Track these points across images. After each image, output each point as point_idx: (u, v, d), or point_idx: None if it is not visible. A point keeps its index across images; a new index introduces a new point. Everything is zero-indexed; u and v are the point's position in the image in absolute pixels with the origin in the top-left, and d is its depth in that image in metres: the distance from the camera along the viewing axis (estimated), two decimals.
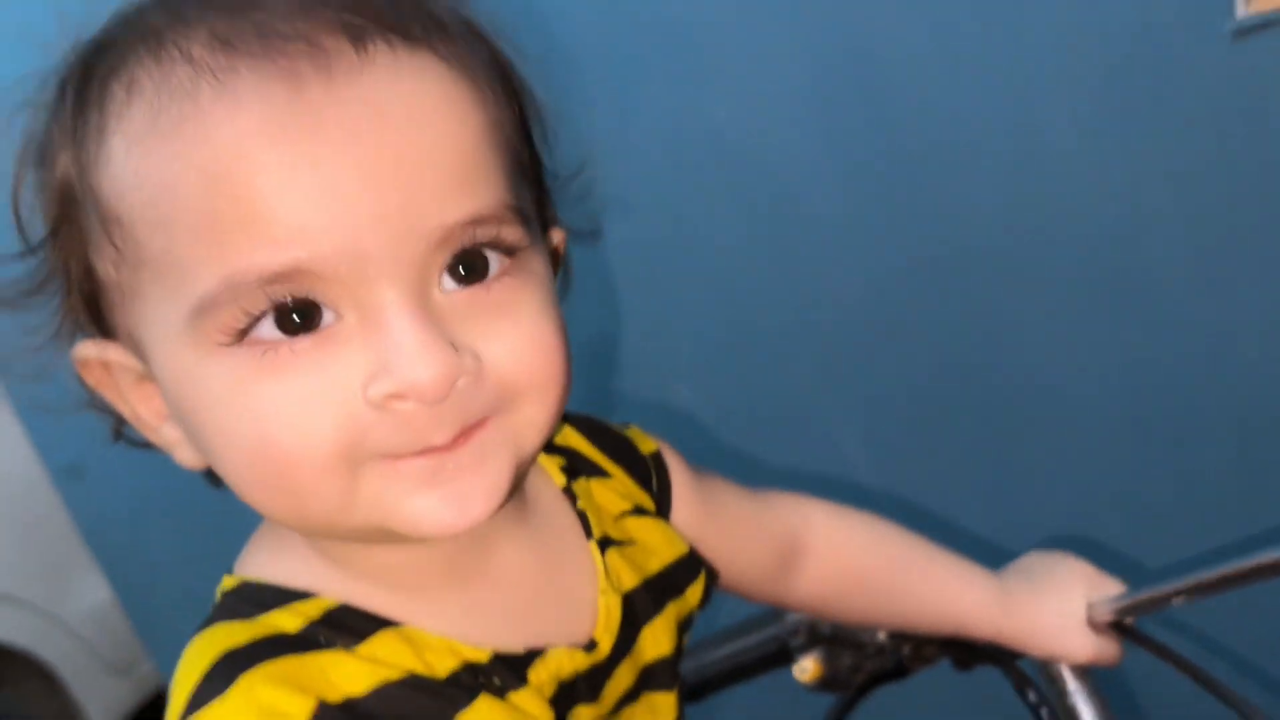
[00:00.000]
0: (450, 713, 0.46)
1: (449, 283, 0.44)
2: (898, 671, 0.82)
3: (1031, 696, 0.74)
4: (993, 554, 0.75)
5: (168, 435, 0.49)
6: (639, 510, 0.61)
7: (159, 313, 0.44)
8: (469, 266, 0.44)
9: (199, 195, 0.41)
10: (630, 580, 0.57)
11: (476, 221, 0.43)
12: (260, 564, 0.50)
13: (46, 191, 0.47)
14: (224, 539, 1.71)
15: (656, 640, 0.57)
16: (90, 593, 2.42)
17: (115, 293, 0.46)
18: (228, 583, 0.50)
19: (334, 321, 0.43)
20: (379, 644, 0.47)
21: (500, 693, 0.48)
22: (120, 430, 0.53)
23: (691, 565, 0.61)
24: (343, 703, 0.44)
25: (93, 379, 0.50)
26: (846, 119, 1.05)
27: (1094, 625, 0.69)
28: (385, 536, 0.46)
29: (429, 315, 0.43)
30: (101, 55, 0.45)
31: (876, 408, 1.09)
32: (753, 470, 0.80)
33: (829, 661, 0.80)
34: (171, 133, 0.42)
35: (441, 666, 0.47)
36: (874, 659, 0.81)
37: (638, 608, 0.57)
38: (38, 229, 0.48)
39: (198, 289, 0.42)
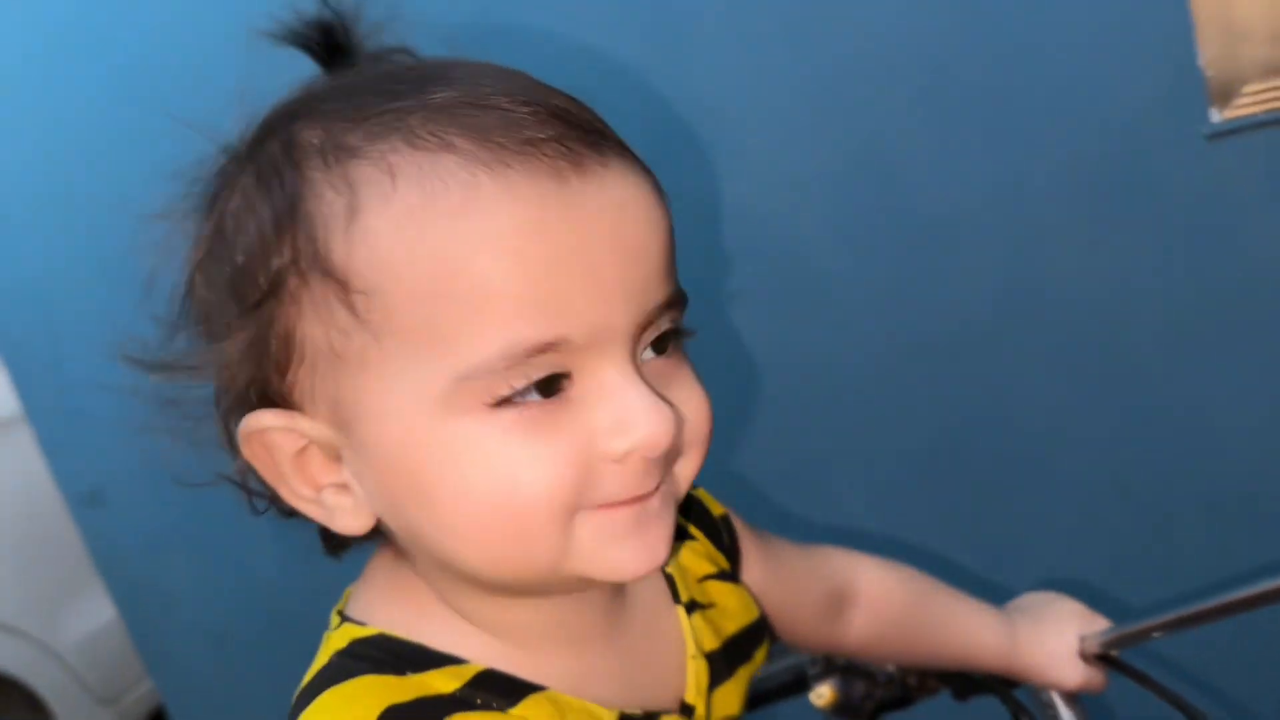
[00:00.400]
0: None
1: (648, 353, 0.49)
2: (904, 700, 0.90)
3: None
4: (991, 590, 0.84)
5: (329, 501, 0.50)
6: (720, 574, 0.66)
7: (402, 379, 0.46)
8: (661, 339, 0.50)
9: (480, 272, 0.44)
10: (710, 644, 0.61)
11: (671, 303, 0.49)
12: (395, 620, 0.52)
13: (245, 270, 0.48)
14: (237, 574, 1.76)
15: (727, 702, 0.61)
16: (81, 622, 2.44)
17: (328, 362, 0.47)
18: (358, 631, 0.51)
19: (569, 385, 0.46)
20: (529, 707, 0.50)
21: None
22: (258, 500, 0.54)
23: (761, 630, 0.66)
24: None
25: (250, 450, 0.50)
26: (861, 206, 1.14)
27: (1085, 657, 0.77)
28: (568, 586, 0.50)
29: (646, 380, 0.48)
30: (322, 138, 0.47)
31: (881, 467, 1.18)
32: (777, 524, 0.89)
33: (843, 689, 0.88)
34: (453, 214, 0.44)
35: None
36: (883, 688, 0.89)
37: (716, 671, 0.60)
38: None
39: (470, 357, 0.44)
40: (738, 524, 0.70)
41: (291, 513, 0.52)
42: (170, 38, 1.46)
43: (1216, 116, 1.02)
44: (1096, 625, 0.78)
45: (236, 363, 0.49)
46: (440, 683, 0.49)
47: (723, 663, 0.62)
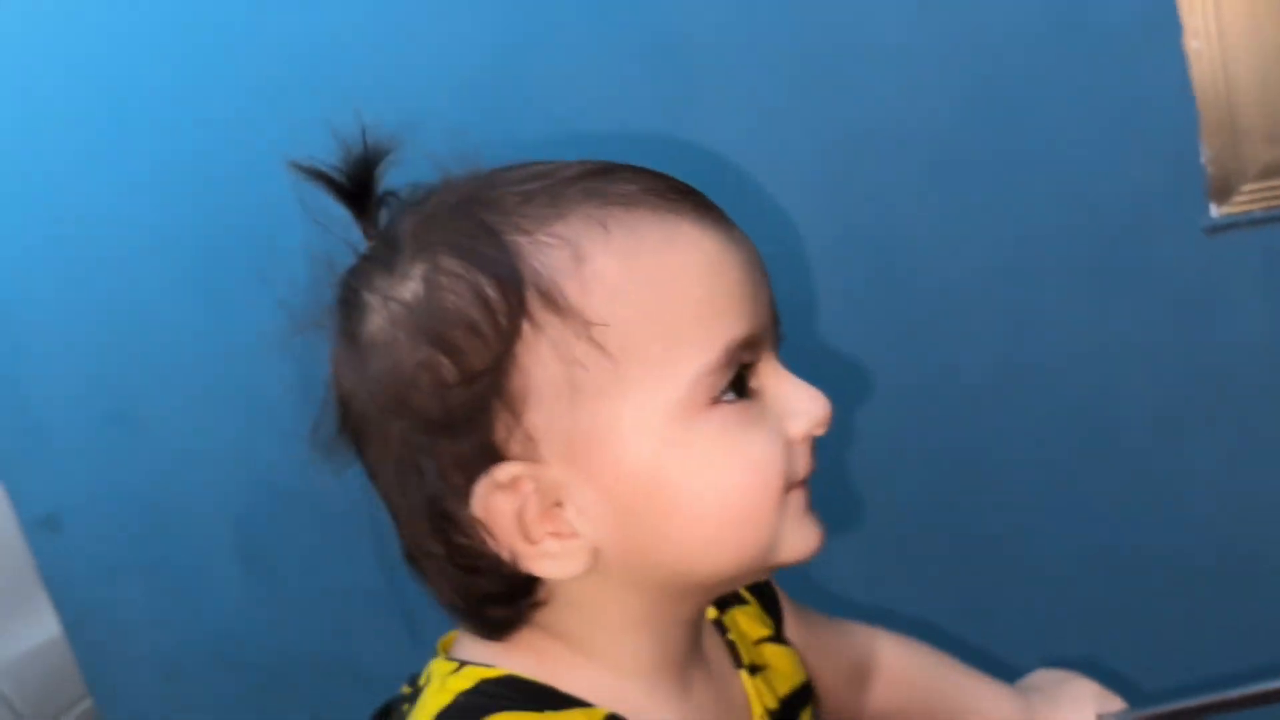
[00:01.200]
0: None
1: None
2: None
3: None
4: (996, 667, 0.86)
5: (555, 549, 0.52)
6: (772, 637, 0.69)
7: (643, 395, 0.50)
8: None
9: (700, 288, 0.51)
10: (770, 704, 0.64)
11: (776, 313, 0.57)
12: (518, 664, 0.55)
13: (464, 335, 0.50)
14: (192, 608, 1.73)
15: None
16: (10, 646, 2.37)
17: (566, 399, 0.50)
18: (484, 672, 0.55)
19: (756, 389, 0.54)
20: None
21: None
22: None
23: (808, 692, 0.69)
24: None
25: (492, 507, 0.51)
26: (859, 278, 1.18)
27: None
28: (748, 578, 0.58)
29: None
30: (521, 215, 0.52)
31: (876, 541, 1.20)
32: None
33: None
34: (660, 249, 0.51)
35: None
36: None
37: None
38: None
39: (700, 361, 0.50)
40: (775, 587, 0.72)
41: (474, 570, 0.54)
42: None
43: (1215, 211, 1.06)
44: (1112, 705, 0.81)
45: (458, 427, 0.51)
46: None
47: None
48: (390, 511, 0.59)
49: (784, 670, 0.67)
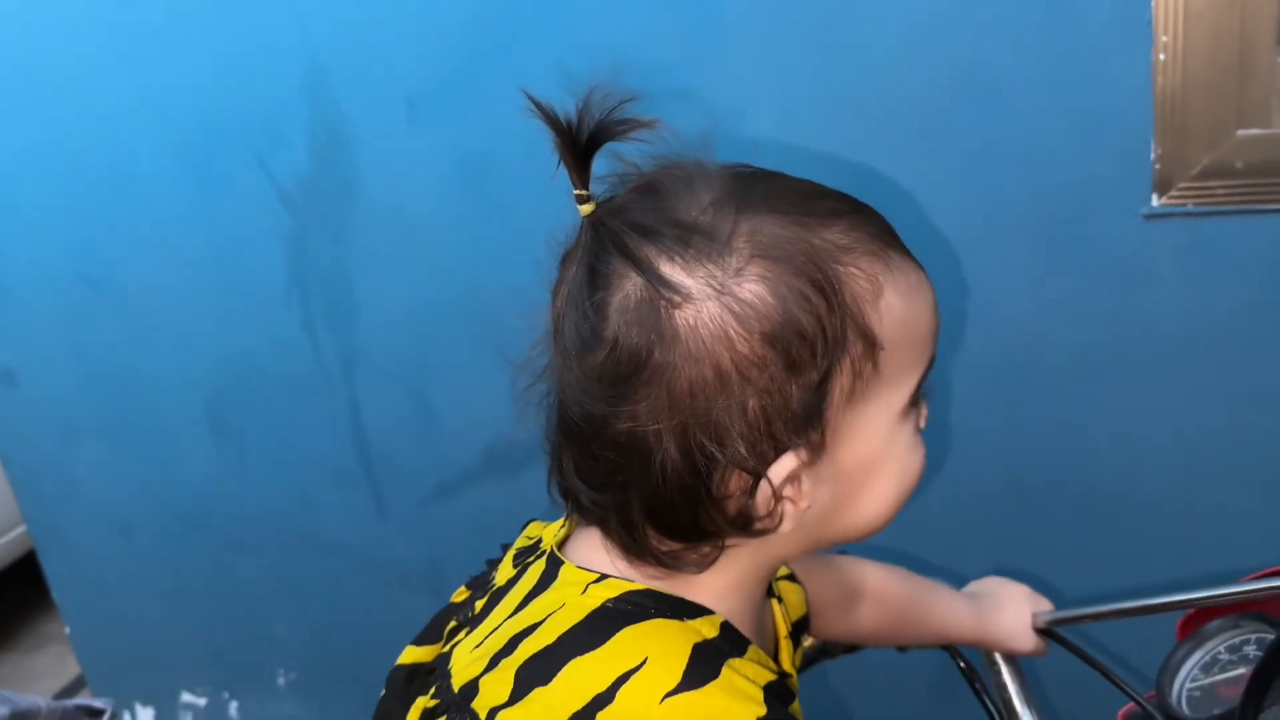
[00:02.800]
0: (786, 715, 0.61)
1: None
2: (858, 645, 1.09)
3: (970, 675, 1.03)
4: (944, 574, 1.04)
5: (790, 511, 0.62)
6: (789, 576, 0.83)
7: (883, 400, 0.62)
8: None
9: (929, 322, 0.64)
10: (785, 629, 0.78)
11: None
12: (649, 576, 0.65)
13: (810, 362, 0.59)
14: (148, 467, 1.80)
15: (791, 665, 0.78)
16: None
17: (843, 401, 0.61)
18: (626, 585, 0.64)
19: None
20: (752, 653, 0.64)
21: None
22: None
23: (805, 623, 0.83)
24: (765, 686, 0.61)
25: (765, 496, 0.61)
26: None
27: (1034, 629, 0.98)
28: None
29: None
30: (830, 247, 0.60)
31: None
32: None
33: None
34: (912, 291, 0.63)
35: (769, 675, 0.63)
36: None
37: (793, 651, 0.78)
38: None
39: (917, 377, 0.64)
40: None
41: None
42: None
43: (1155, 201, 1.23)
44: (1043, 606, 0.99)
45: (770, 419, 0.59)
46: (706, 629, 0.63)
47: (794, 644, 0.79)
48: (626, 481, 0.62)
49: (794, 602, 0.82)
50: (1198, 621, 0.93)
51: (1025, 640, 0.97)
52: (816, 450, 0.61)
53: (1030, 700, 0.98)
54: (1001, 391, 1.36)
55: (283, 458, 1.77)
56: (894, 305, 0.61)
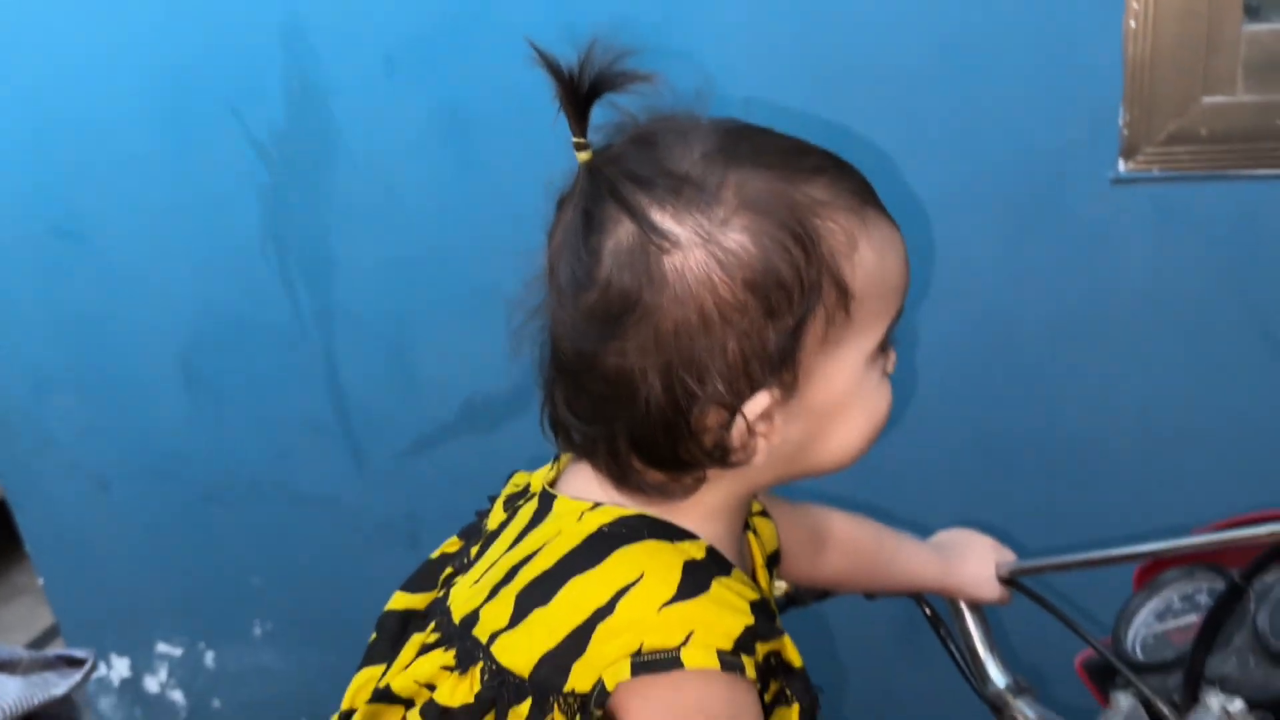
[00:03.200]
0: (772, 631, 0.67)
1: None
2: (829, 593, 1.12)
3: (935, 622, 1.07)
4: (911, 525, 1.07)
5: (761, 446, 0.66)
6: (762, 512, 0.87)
7: (852, 345, 0.67)
8: None
9: (900, 276, 0.69)
10: (760, 559, 0.82)
11: None
12: (640, 503, 0.69)
13: (787, 307, 0.63)
14: (124, 420, 1.80)
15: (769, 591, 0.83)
16: None
17: (816, 346, 0.65)
18: (620, 511, 0.68)
19: None
20: (737, 575, 0.68)
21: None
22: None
23: (776, 556, 0.87)
24: (751, 602, 0.66)
25: (740, 429, 0.65)
26: None
27: (998, 579, 1.02)
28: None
29: None
30: (811, 201, 0.64)
31: None
32: None
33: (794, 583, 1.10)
34: (885, 245, 0.67)
35: (753, 594, 0.68)
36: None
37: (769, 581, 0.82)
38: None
39: (882, 329, 0.68)
40: None
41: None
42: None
43: (1123, 167, 1.27)
44: (1006, 557, 1.03)
45: (748, 360, 0.64)
46: (694, 551, 0.67)
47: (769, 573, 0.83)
48: (612, 413, 0.67)
49: (766, 535, 0.86)
50: (1153, 572, 0.98)
51: (989, 589, 1.00)
52: (789, 389, 0.66)
53: (994, 646, 1.02)
54: (973, 350, 1.40)
55: (259, 411, 1.78)
56: (867, 258, 0.66)
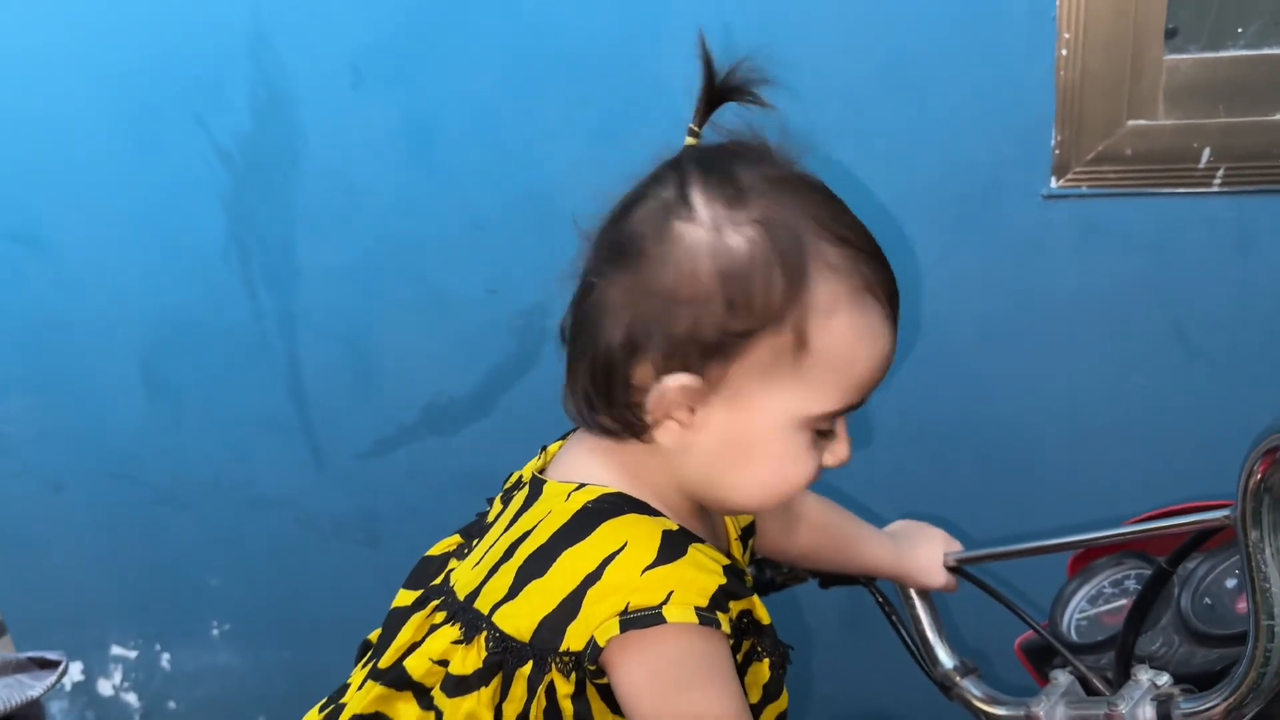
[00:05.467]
0: (743, 590, 0.75)
1: None
2: (788, 584, 1.19)
3: (887, 608, 1.14)
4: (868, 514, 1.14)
5: (674, 430, 0.73)
6: None
7: (786, 396, 0.71)
8: None
9: (867, 369, 0.73)
10: (736, 533, 0.89)
11: None
12: (623, 485, 0.76)
13: (741, 312, 0.69)
14: (81, 422, 1.80)
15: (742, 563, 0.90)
16: None
17: (755, 370, 0.71)
18: (600, 490, 0.75)
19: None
20: (708, 545, 0.75)
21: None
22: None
23: (752, 528, 0.94)
24: (723, 567, 0.74)
25: (658, 395, 0.72)
26: None
27: (946, 567, 1.10)
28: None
29: None
30: (817, 251, 0.70)
31: None
32: None
33: (757, 575, 1.16)
34: (865, 334, 0.72)
35: (724, 560, 0.75)
36: (782, 574, 1.18)
37: (743, 548, 0.90)
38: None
39: (826, 405, 0.72)
40: None
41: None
42: None
43: (1054, 183, 1.36)
44: (954, 547, 1.10)
45: (689, 341, 0.70)
46: (668, 524, 0.74)
47: (743, 542, 0.90)
48: (587, 339, 0.74)
49: (742, 516, 0.93)
50: (1086, 560, 1.05)
51: (937, 576, 1.08)
52: (712, 387, 0.71)
53: (942, 630, 1.09)
54: (915, 353, 1.48)
55: (219, 413, 1.79)
56: (841, 331, 0.71)
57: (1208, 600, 0.94)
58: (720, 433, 0.73)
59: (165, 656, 1.99)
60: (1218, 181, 1.31)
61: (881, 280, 0.73)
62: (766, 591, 1.14)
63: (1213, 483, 0.82)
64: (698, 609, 0.70)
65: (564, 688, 0.72)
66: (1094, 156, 1.33)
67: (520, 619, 0.72)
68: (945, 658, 1.07)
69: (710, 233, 0.70)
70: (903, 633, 1.10)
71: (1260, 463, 0.74)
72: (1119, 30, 1.27)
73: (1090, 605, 1.04)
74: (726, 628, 0.71)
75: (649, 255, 0.71)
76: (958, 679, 1.04)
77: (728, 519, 0.89)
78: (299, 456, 1.78)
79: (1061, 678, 0.92)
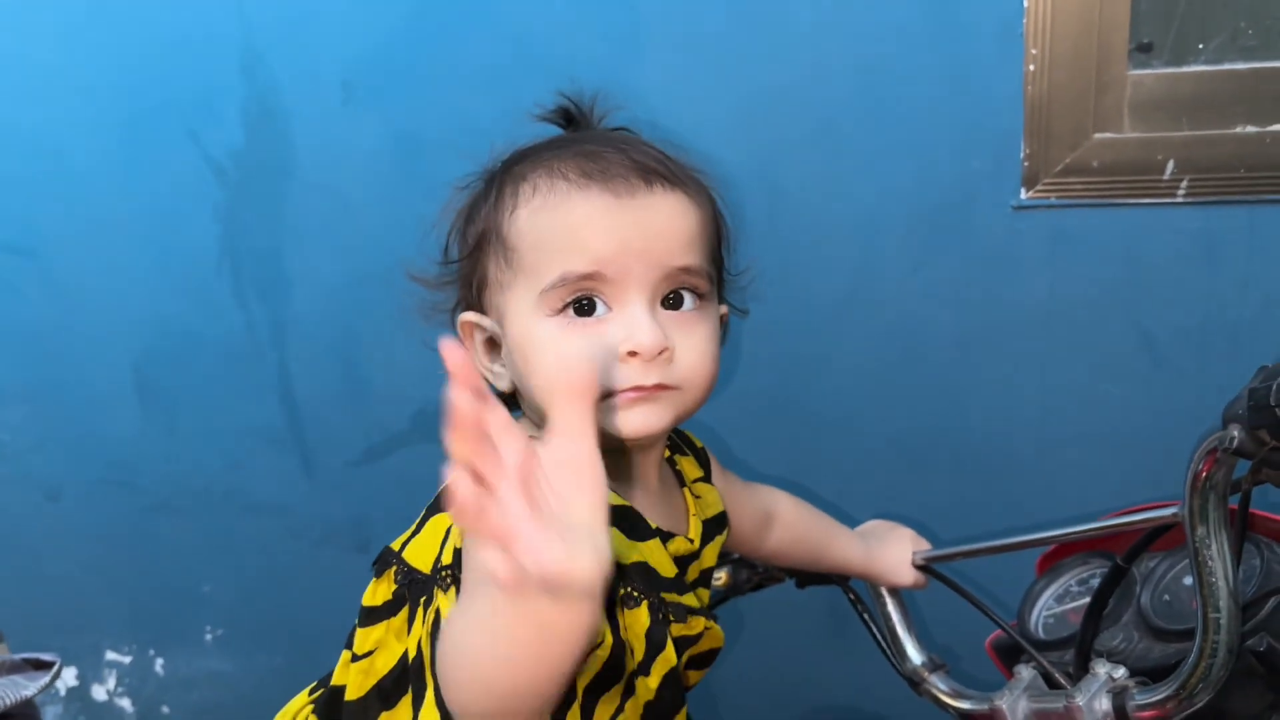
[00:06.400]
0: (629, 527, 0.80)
1: (662, 309, 0.78)
2: (764, 584, 1.22)
3: (859, 606, 1.17)
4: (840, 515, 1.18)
5: (496, 371, 0.82)
6: (703, 479, 0.96)
7: (519, 296, 0.78)
8: (676, 299, 0.78)
9: (561, 236, 0.77)
10: (702, 517, 0.92)
11: (686, 270, 0.78)
12: None
13: (469, 233, 0.83)
14: (76, 429, 1.82)
15: (710, 557, 0.92)
16: None
17: (495, 287, 0.80)
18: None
19: (603, 313, 0.77)
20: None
21: (663, 541, 0.83)
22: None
23: (724, 519, 0.96)
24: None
25: (462, 334, 0.83)
26: (750, 212, 1.45)
27: (914, 565, 1.13)
28: (607, 441, 0.79)
29: (654, 316, 0.77)
30: (513, 170, 0.81)
31: (766, 427, 1.50)
32: None
33: (733, 575, 1.20)
34: (554, 209, 0.78)
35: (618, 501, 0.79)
36: (757, 575, 1.21)
37: (705, 533, 0.91)
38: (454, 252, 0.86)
39: (545, 281, 0.76)
40: (711, 457, 1.01)
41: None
42: None
43: (1023, 195, 1.40)
44: (922, 546, 1.14)
45: (463, 282, 0.83)
46: None
47: (708, 530, 0.92)
48: None
49: (710, 500, 0.96)
50: (1054, 558, 1.08)
51: (907, 575, 1.11)
52: (486, 316, 0.81)
53: (912, 627, 1.12)
54: (888, 359, 1.52)
55: (211, 422, 1.82)
56: (525, 217, 0.79)
57: (1166, 597, 0.98)
58: (510, 356, 0.80)
59: (159, 662, 2.01)
60: (1182, 192, 1.35)
61: (575, 161, 0.79)
62: (744, 591, 1.18)
63: (1180, 488, 0.85)
64: None
65: (446, 605, 0.74)
66: (1062, 168, 1.37)
67: (423, 552, 0.77)
68: (914, 654, 1.10)
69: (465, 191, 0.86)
70: (874, 629, 1.13)
71: (1204, 462, 0.78)
72: (1084, 46, 1.32)
73: (1057, 603, 1.07)
74: None
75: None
76: (926, 674, 1.08)
77: (689, 497, 0.92)
78: (290, 464, 1.81)
79: (1025, 673, 0.96)
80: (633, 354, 0.75)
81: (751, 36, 1.41)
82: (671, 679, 0.81)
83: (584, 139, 0.83)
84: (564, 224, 0.77)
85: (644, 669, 0.80)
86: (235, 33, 1.58)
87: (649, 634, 0.79)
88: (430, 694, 0.74)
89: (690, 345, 0.78)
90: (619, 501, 0.79)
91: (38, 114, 1.69)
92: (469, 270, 0.83)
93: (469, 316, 0.83)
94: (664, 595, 0.81)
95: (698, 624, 0.85)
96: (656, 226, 0.78)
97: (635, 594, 0.78)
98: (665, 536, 0.84)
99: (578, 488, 0.53)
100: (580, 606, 0.53)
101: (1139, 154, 1.35)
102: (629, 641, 0.79)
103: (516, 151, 0.84)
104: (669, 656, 0.81)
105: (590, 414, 0.55)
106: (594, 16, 1.45)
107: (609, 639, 0.76)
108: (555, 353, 0.76)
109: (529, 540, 0.49)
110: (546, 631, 0.54)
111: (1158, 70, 1.36)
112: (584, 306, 0.76)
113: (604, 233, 0.76)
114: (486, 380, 0.82)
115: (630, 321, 0.76)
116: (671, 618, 0.82)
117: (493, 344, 0.82)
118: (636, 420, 0.77)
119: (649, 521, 0.82)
